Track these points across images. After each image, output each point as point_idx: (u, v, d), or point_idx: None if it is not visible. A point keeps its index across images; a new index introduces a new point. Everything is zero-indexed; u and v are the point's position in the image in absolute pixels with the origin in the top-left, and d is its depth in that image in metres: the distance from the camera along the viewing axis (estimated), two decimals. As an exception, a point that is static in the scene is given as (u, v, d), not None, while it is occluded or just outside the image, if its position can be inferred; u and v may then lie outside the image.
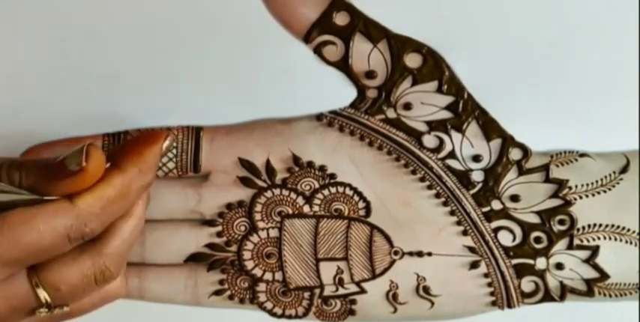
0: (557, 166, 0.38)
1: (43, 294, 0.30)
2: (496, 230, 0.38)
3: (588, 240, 0.38)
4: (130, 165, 0.30)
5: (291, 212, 0.39)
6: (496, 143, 0.38)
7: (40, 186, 0.29)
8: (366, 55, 0.38)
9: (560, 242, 0.38)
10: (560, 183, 0.38)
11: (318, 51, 0.38)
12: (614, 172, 0.38)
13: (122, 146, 0.32)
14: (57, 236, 0.29)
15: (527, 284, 0.39)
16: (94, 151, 0.28)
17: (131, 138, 0.33)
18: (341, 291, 0.39)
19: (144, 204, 0.32)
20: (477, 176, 0.38)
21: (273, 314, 0.40)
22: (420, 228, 0.38)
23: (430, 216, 0.38)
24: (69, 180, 0.28)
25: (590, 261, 0.38)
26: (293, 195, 0.39)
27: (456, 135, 0.38)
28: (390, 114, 0.38)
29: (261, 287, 0.39)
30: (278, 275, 0.39)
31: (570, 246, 0.38)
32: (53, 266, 0.30)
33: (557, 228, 0.38)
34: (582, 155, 0.38)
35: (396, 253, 0.39)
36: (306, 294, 0.39)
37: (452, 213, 0.38)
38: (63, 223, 0.29)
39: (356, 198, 0.39)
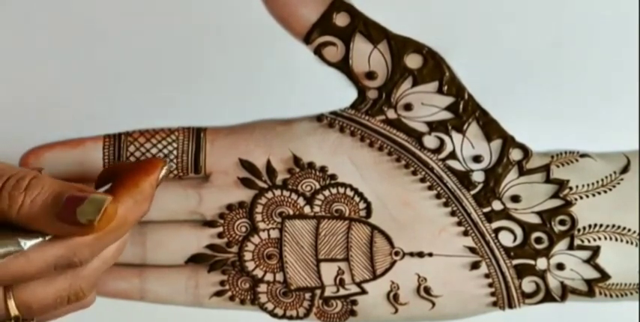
0: (558, 167, 0.38)
1: (13, 310, 0.29)
2: (497, 230, 0.38)
3: (589, 241, 0.38)
4: (127, 196, 0.29)
5: (291, 213, 0.39)
6: (497, 143, 0.38)
7: (41, 219, 0.27)
8: (367, 55, 0.38)
9: (561, 242, 0.38)
10: (561, 184, 0.38)
11: (318, 52, 0.38)
12: (615, 172, 0.38)
13: (120, 174, 0.31)
14: (44, 264, 0.28)
15: (528, 284, 0.39)
16: (111, 212, 0.27)
17: (129, 165, 0.32)
18: (342, 292, 0.39)
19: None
20: (478, 176, 0.38)
21: (274, 315, 0.40)
22: (421, 229, 0.38)
23: (431, 216, 0.38)
24: (73, 229, 0.27)
25: (590, 261, 0.38)
26: (294, 196, 0.39)
27: (456, 136, 0.38)
28: (391, 114, 0.38)
29: (262, 288, 0.39)
30: (279, 276, 0.39)
31: (571, 247, 0.38)
32: (28, 286, 0.29)
33: (557, 228, 0.38)
34: (583, 155, 0.38)
35: (396, 254, 0.39)
36: (307, 295, 0.39)
37: (452, 213, 0.38)
38: (53, 253, 0.28)
39: (357, 198, 0.39)
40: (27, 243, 0.27)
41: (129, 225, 0.29)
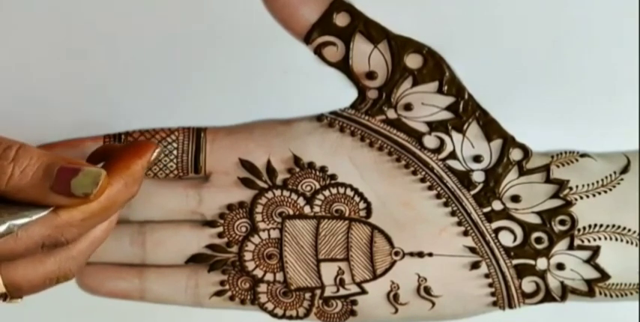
0: (558, 167, 0.38)
1: (1, 288, 0.29)
2: (497, 230, 0.38)
3: (589, 241, 0.38)
4: (118, 177, 0.29)
5: (291, 213, 0.39)
6: (497, 143, 0.38)
7: (32, 191, 0.27)
8: (367, 55, 0.38)
9: (561, 242, 0.38)
10: (561, 184, 0.38)
11: (318, 52, 0.38)
12: (615, 172, 0.38)
13: (111, 156, 0.31)
14: (32, 243, 0.28)
15: (528, 284, 0.39)
16: (105, 186, 0.27)
17: (120, 148, 0.32)
18: (342, 292, 0.39)
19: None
20: (478, 176, 0.38)
21: (274, 315, 0.40)
22: (421, 229, 0.38)
23: (431, 216, 0.38)
24: (67, 200, 0.27)
25: (590, 262, 0.38)
26: (294, 196, 0.39)
27: (456, 136, 0.38)
28: (391, 114, 0.38)
29: (262, 288, 0.39)
30: (279, 276, 0.39)
31: (571, 247, 0.38)
32: (18, 266, 0.29)
33: (557, 228, 0.38)
34: (583, 155, 0.38)
35: (396, 254, 0.39)
36: (307, 295, 0.39)
37: (453, 213, 0.38)
38: (41, 232, 0.27)
39: (357, 198, 0.39)
40: (16, 225, 0.27)
41: (117, 206, 0.29)
